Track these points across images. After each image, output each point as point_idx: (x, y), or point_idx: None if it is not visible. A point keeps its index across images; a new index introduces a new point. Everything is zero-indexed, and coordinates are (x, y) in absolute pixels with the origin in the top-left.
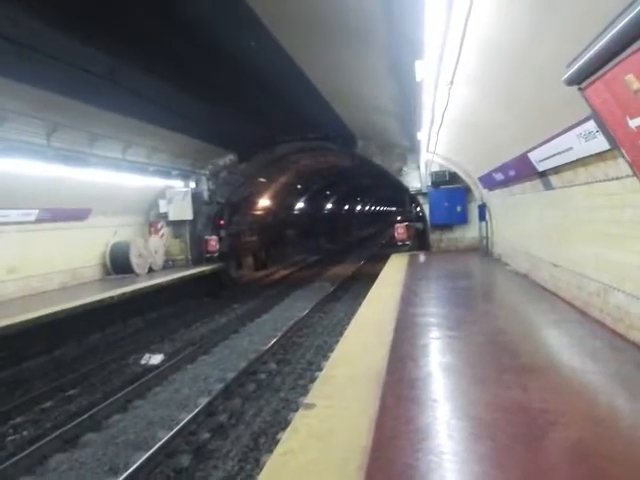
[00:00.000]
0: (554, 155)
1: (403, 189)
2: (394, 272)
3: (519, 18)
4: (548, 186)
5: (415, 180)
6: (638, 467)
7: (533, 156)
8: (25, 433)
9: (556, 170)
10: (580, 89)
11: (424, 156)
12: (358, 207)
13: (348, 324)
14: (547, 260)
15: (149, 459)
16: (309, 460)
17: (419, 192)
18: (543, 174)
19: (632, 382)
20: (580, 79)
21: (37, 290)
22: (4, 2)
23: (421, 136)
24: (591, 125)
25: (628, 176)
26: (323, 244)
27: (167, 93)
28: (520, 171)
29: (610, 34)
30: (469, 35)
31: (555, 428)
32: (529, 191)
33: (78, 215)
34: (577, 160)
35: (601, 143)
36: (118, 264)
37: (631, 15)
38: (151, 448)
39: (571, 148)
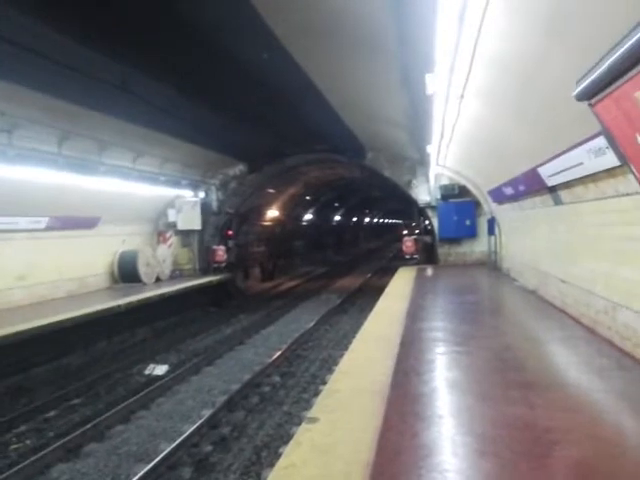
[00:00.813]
0: (564, 170)
1: (412, 202)
2: (401, 285)
3: (530, 34)
4: (558, 201)
5: (424, 193)
6: None
7: (543, 171)
8: (28, 442)
9: (566, 185)
10: (590, 105)
11: (433, 169)
12: (366, 219)
13: (354, 337)
14: (555, 276)
15: (151, 471)
16: (311, 475)
17: (428, 205)
18: (553, 189)
19: (638, 401)
20: (590, 95)
21: (45, 298)
22: (20, 13)
23: (431, 149)
24: (601, 141)
25: (638, 193)
26: (331, 256)
27: (179, 102)
28: (530, 186)
29: (620, 51)
30: (480, 49)
31: (560, 446)
32: (539, 206)
33: (87, 223)
34: (587, 176)
35: (611, 159)
36: (126, 273)
37: None
38: (153, 460)
39: (581, 163)
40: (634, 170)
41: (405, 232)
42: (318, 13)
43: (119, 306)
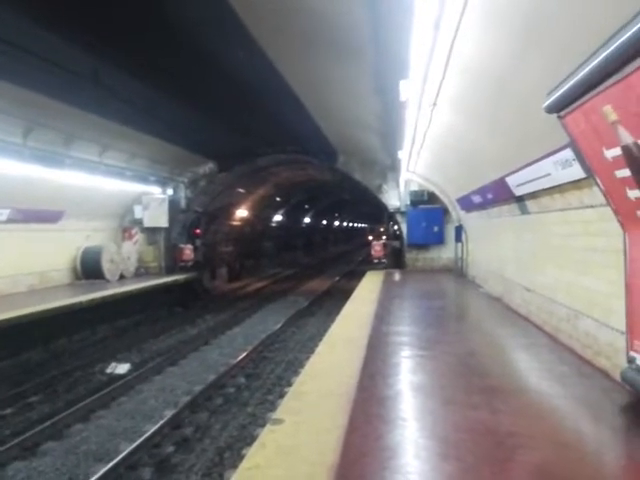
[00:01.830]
0: (532, 180)
1: (382, 207)
2: (369, 289)
3: (503, 45)
4: (524, 211)
5: (394, 198)
6: None
7: (511, 180)
8: None
9: (533, 195)
10: (559, 117)
11: (404, 175)
12: (336, 222)
13: (321, 340)
14: (520, 284)
15: (110, 471)
16: (275, 476)
17: (397, 210)
18: (520, 199)
19: (598, 408)
20: (560, 107)
21: (3, 292)
22: None
23: (402, 155)
24: (568, 153)
25: (602, 205)
26: (299, 258)
27: (150, 98)
28: (498, 195)
29: (590, 65)
30: (454, 58)
31: (521, 451)
32: (506, 215)
33: (50, 217)
34: (554, 187)
35: (577, 171)
36: (89, 269)
37: (611, 48)
38: (112, 460)
39: (549, 174)
40: (599, 182)
41: (370, 237)
42: (295, 14)
43: (80, 303)
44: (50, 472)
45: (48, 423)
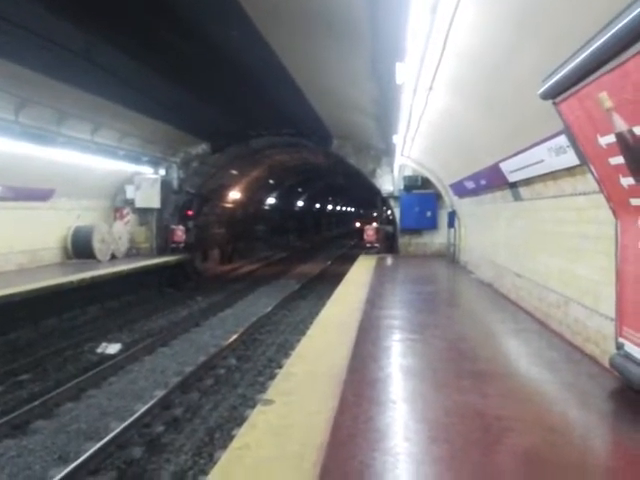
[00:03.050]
0: (525, 167)
1: (375, 191)
2: (361, 273)
3: (500, 30)
4: (517, 197)
5: (388, 183)
6: (587, 475)
7: (505, 166)
8: None
9: (526, 182)
10: (554, 103)
11: (398, 160)
12: (329, 206)
13: (312, 323)
14: (511, 270)
15: (100, 449)
16: (265, 455)
17: (391, 195)
18: (513, 185)
19: (585, 394)
20: (555, 94)
21: None
22: None
23: (397, 139)
24: (562, 140)
25: (595, 192)
26: (292, 241)
27: (143, 76)
28: (491, 181)
29: (586, 52)
30: (450, 42)
31: (509, 434)
32: (499, 201)
33: (41, 195)
34: (547, 173)
35: (571, 158)
36: (80, 248)
37: (607, 35)
38: (103, 438)
39: (542, 161)
40: (592, 170)
41: (358, 224)
42: None
43: (71, 282)
44: (40, 450)
45: (38, 402)
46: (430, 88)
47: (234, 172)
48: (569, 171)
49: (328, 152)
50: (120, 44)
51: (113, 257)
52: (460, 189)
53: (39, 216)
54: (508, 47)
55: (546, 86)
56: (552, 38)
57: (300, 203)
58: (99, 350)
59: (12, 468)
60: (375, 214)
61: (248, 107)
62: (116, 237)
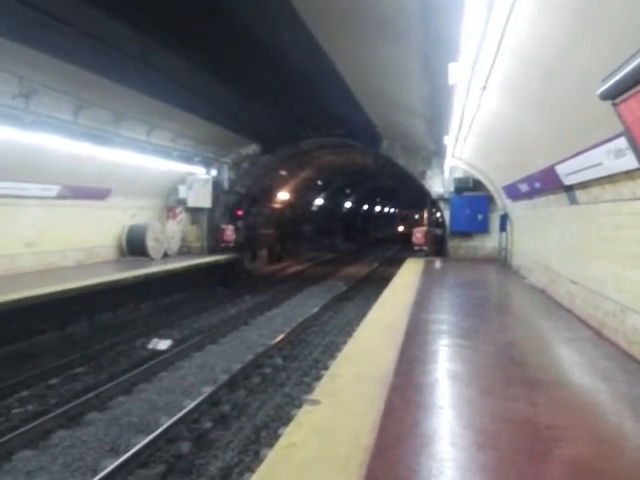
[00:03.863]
0: (582, 170)
1: (424, 194)
2: (409, 277)
3: (556, 30)
4: (573, 201)
5: (438, 185)
6: None
7: (560, 169)
8: (30, 407)
9: (583, 185)
10: (614, 104)
11: (449, 161)
12: (377, 208)
13: (358, 325)
14: (565, 276)
15: (150, 443)
16: (311, 455)
17: (441, 197)
18: (569, 188)
19: None
20: (615, 94)
21: (52, 266)
22: None
23: (448, 140)
24: (622, 142)
25: None
26: (339, 243)
27: (196, 78)
28: (546, 184)
29: None
30: (505, 42)
31: (560, 444)
32: (553, 205)
33: (98, 194)
34: (605, 177)
35: (631, 161)
36: (134, 246)
37: None
38: (153, 432)
39: (600, 164)
40: None
41: (401, 228)
42: None
43: (125, 279)
44: (93, 441)
45: (92, 394)
46: (484, 88)
47: (283, 173)
48: (628, 174)
49: (377, 153)
50: (174, 47)
51: (166, 255)
52: (513, 192)
53: (96, 215)
54: (565, 46)
55: (606, 86)
56: (612, 36)
57: (348, 204)
58: (150, 346)
59: (66, 458)
60: (417, 216)
61: (298, 108)
62: (169, 236)
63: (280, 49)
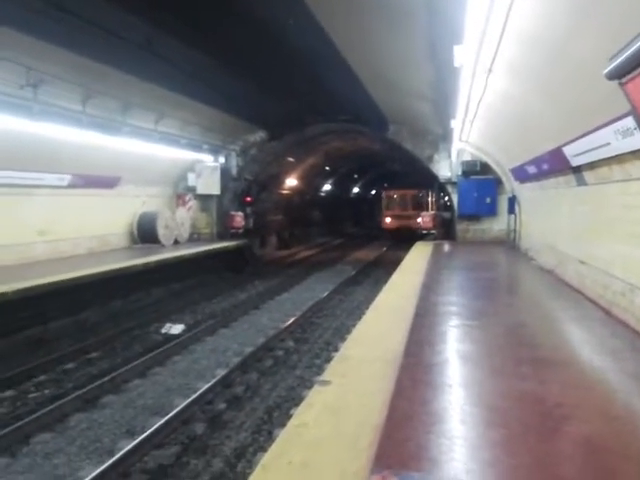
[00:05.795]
0: (589, 150)
1: (432, 177)
2: (417, 260)
3: (561, 10)
4: (581, 182)
5: (445, 168)
6: None
7: (568, 150)
8: (47, 391)
9: (591, 166)
10: (621, 84)
11: (456, 144)
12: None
13: (367, 308)
14: (574, 257)
15: (165, 424)
16: (322, 434)
17: (449, 181)
18: (577, 169)
19: None
20: (622, 74)
21: (65, 254)
22: None
23: (455, 124)
24: (629, 121)
25: None
26: (347, 228)
27: (202, 66)
28: (553, 165)
29: None
30: (510, 23)
31: (569, 421)
32: (561, 186)
33: (108, 183)
34: (613, 157)
35: (638, 140)
36: (145, 234)
37: None
38: (167, 414)
39: (608, 144)
40: None
41: (388, 220)
42: None
43: (136, 266)
44: (109, 423)
45: (107, 378)
46: (489, 70)
47: (290, 159)
48: (636, 154)
49: (384, 138)
50: (179, 35)
51: (176, 242)
52: (521, 174)
53: (107, 203)
54: (570, 26)
55: (612, 65)
56: (618, 15)
57: (356, 190)
58: (163, 330)
59: (83, 440)
60: (421, 201)
61: (304, 94)
62: (179, 223)
63: (285, 35)
